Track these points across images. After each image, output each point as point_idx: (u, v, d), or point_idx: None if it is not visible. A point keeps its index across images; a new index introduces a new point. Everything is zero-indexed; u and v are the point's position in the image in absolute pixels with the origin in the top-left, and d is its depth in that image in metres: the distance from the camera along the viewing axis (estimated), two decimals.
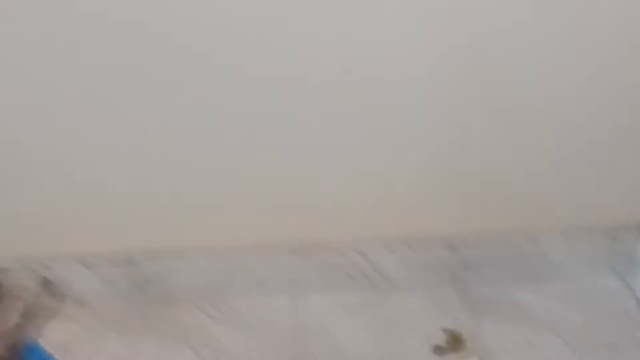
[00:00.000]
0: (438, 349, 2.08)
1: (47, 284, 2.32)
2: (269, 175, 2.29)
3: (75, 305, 2.31)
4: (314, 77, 2.06)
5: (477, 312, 2.24)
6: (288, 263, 2.40)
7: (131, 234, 2.34)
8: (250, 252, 2.38)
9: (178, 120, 2.10)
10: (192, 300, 2.35)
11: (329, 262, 2.40)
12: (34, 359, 2.10)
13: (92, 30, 1.92)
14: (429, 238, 2.39)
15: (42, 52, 1.95)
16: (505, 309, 2.26)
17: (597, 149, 2.30)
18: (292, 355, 2.10)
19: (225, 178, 2.25)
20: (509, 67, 2.11)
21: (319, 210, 2.36)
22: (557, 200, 2.36)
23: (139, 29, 1.93)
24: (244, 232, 2.37)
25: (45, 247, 2.31)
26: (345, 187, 2.32)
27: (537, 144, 2.30)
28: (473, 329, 2.13)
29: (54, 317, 2.27)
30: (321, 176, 2.29)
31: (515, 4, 1.98)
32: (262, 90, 2.07)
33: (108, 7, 1.89)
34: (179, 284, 2.39)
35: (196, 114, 2.10)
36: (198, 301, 2.35)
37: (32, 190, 2.19)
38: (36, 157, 2.13)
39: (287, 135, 2.21)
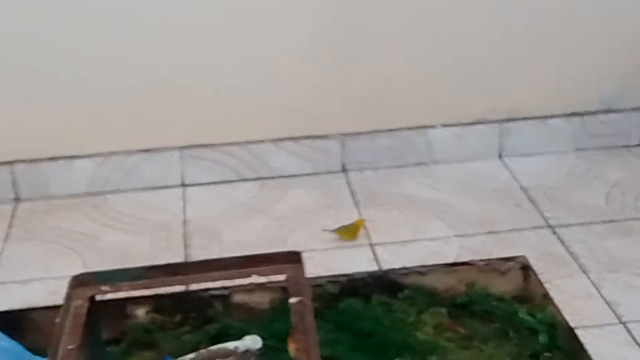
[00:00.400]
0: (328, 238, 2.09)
1: None
2: (159, 79, 2.26)
3: None
4: None
5: (366, 203, 2.26)
6: (176, 164, 2.36)
7: (13, 141, 2.29)
8: (139, 154, 2.34)
9: None
10: (77, 205, 2.30)
11: (218, 162, 2.37)
12: None
13: None
14: (320, 136, 2.39)
15: None
16: (393, 197, 2.28)
17: (486, 48, 2.34)
18: (181, 251, 2.08)
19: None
20: None
21: (208, 113, 2.33)
22: (447, 97, 2.40)
23: None
24: (134, 137, 2.33)
25: None
26: (237, 90, 2.30)
27: (428, 44, 2.32)
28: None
29: None
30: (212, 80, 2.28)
31: None
32: None
33: None
34: (64, 189, 2.33)
35: None
36: (83, 205, 2.29)
37: None
38: None
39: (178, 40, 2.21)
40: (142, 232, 2.17)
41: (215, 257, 1.97)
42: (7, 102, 2.25)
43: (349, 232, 2.10)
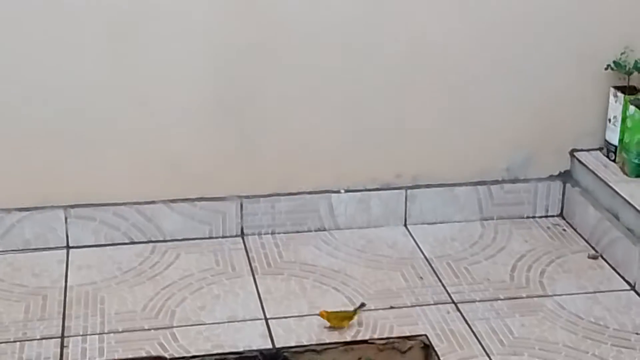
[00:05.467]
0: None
1: None
2: (43, 129, 2.12)
3: None
4: None
5: (264, 271, 2.14)
6: (59, 222, 2.20)
7: None
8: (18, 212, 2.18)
9: None
10: None
11: (105, 222, 2.22)
12: None
13: None
14: (216, 198, 2.27)
15: None
16: (291, 265, 2.17)
17: (392, 112, 2.28)
18: (58, 322, 1.91)
19: None
20: None
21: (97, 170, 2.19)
22: (351, 161, 2.32)
23: None
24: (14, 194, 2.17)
25: None
26: (128, 147, 2.18)
27: (333, 106, 2.24)
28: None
29: None
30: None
31: None
32: None
33: None
34: None
35: None
36: None
37: None
38: None
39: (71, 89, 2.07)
40: (17, 299, 2.00)
41: (95, 330, 1.87)
42: None
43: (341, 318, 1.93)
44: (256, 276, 2.12)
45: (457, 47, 2.25)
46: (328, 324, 1.90)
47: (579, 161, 2.36)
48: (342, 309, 1.96)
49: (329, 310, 1.92)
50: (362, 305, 1.96)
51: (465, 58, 2.26)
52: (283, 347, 1.85)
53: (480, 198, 2.38)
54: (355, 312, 1.93)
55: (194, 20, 2.11)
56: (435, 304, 2.02)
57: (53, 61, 2.08)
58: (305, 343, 1.86)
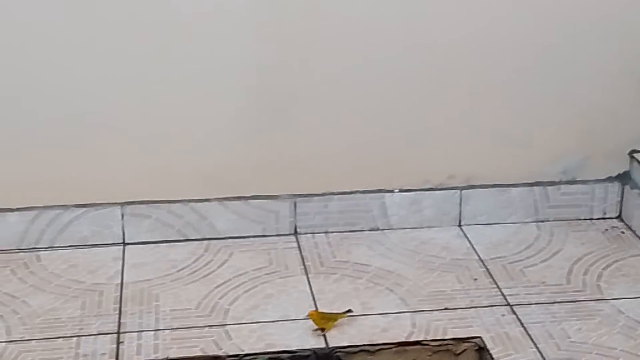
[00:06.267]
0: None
1: None
2: (102, 130, 2.14)
3: None
4: None
5: (316, 270, 2.13)
6: (116, 219, 2.22)
7: None
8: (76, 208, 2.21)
9: None
10: (6, 262, 2.15)
11: (160, 220, 2.24)
12: None
13: None
14: (270, 196, 2.27)
15: None
16: (344, 265, 2.17)
17: (447, 112, 2.26)
18: (114, 319, 1.93)
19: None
20: None
21: (152, 168, 2.21)
22: (404, 161, 2.30)
23: None
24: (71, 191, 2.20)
25: None
26: (183, 145, 2.19)
27: (387, 105, 2.23)
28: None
29: None
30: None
31: None
32: None
33: None
34: None
35: None
36: (12, 263, 2.15)
37: None
38: None
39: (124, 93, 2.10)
40: (74, 295, 2.02)
41: (150, 327, 1.89)
42: None
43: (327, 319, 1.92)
44: (309, 275, 2.12)
45: (510, 45, 2.21)
46: (315, 327, 1.89)
47: (639, 162, 2.31)
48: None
49: (319, 311, 1.92)
50: (349, 311, 1.94)
51: (520, 57, 2.22)
52: (336, 347, 1.85)
53: (536, 199, 2.34)
54: (341, 314, 1.91)
55: (238, 18, 2.12)
56: (489, 306, 1.99)
57: (116, 67, 2.11)
58: (358, 343, 1.86)
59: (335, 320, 1.90)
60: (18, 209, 2.18)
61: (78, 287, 2.06)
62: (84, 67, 2.09)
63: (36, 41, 2.06)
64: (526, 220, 2.35)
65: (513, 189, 2.33)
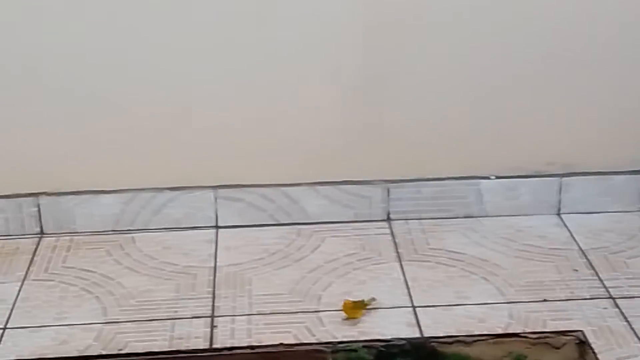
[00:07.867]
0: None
1: None
2: (194, 114, 2.15)
3: None
4: None
5: (409, 258, 2.09)
6: (209, 202, 2.22)
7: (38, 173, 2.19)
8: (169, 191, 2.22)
9: None
10: (101, 243, 2.18)
11: (252, 204, 2.23)
12: None
13: None
14: (362, 181, 2.25)
15: None
16: (438, 253, 2.12)
17: (544, 96, 2.19)
18: (208, 302, 1.93)
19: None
20: None
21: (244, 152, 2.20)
22: (500, 147, 2.24)
23: None
24: (164, 174, 2.21)
25: None
26: (275, 130, 2.18)
27: (483, 90, 2.17)
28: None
29: None
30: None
31: None
32: None
33: None
34: (89, 225, 2.22)
35: None
36: (107, 245, 2.17)
37: None
38: None
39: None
40: (168, 277, 2.04)
41: (243, 311, 1.88)
42: (35, 131, 2.15)
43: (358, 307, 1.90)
44: (402, 262, 2.09)
45: (606, 30, 2.13)
46: (345, 316, 1.85)
47: None
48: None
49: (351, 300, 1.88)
50: (373, 299, 1.90)
51: (615, 40, 2.14)
52: (431, 337, 1.81)
53: None
54: (368, 302, 1.88)
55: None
56: (591, 298, 1.92)
57: (214, 52, 2.11)
58: (453, 333, 1.81)
59: (363, 308, 1.87)
60: (113, 191, 2.21)
61: (172, 270, 2.07)
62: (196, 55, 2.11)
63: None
64: (630, 210, 2.26)
65: (616, 177, 2.24)
